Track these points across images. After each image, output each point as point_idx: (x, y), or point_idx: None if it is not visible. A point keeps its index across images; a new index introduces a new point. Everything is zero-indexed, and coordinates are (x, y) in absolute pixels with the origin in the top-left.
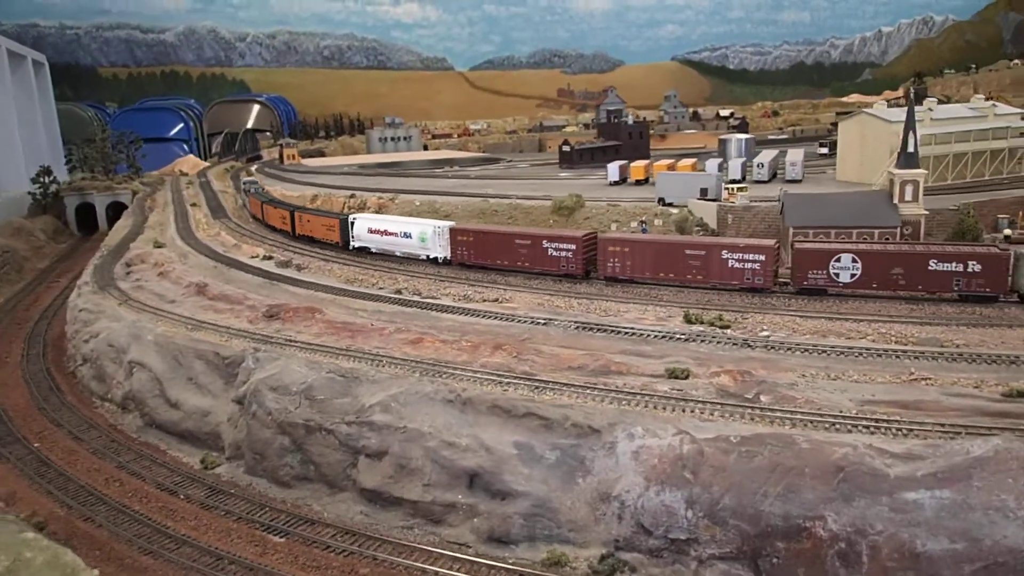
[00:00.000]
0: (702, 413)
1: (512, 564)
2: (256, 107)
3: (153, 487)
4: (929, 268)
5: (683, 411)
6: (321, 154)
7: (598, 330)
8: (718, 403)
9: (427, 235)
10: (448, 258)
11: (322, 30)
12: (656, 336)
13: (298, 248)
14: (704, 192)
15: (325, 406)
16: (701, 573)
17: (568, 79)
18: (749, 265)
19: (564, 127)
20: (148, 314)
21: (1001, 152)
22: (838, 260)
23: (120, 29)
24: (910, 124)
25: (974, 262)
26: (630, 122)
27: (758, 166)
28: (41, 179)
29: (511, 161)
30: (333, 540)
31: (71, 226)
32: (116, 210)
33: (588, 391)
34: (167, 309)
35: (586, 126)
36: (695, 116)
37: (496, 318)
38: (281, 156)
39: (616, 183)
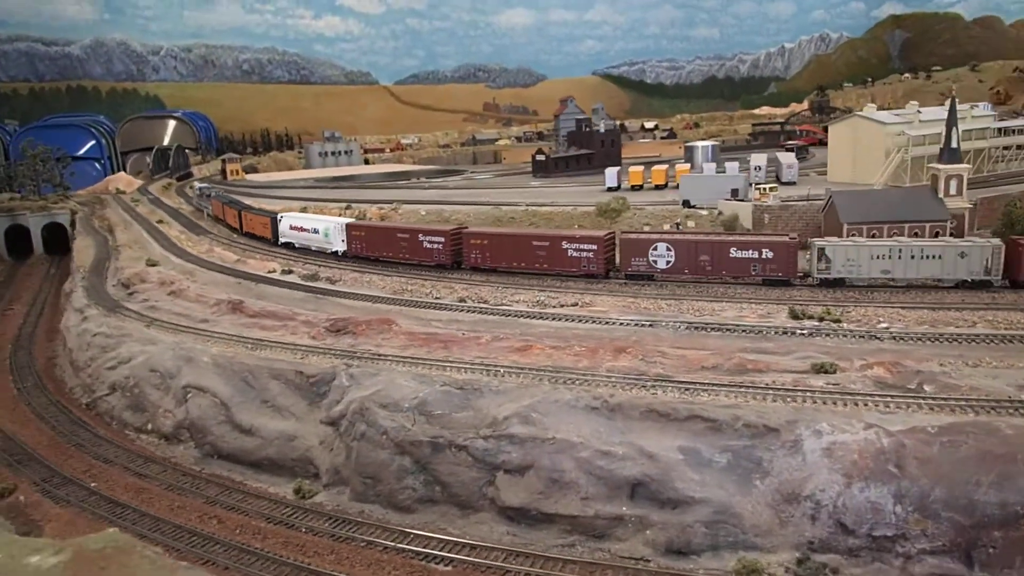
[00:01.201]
0: (876, 406)
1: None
2: (172, 123)
3: (262, 521)
4: (730, 256)
5: (855, 405)
6: (255, 170)
7: (711, 329)
8: (887, 395)
9: (329, 231)
10: (344, 252)
11: (241, 43)
12: (774, 332)
13: (318, 261)
14: (735, 193)
15: (447, 421)
16: (908, 570)
17: (493, 93)
18: (584, 254)
19: (497, 140)
20: (189, 335)
21: (982, 151)
22: (655, 249)
23: (20, 41)
24: (952, 122)
25: (767, 249)
26: (602, 130)
27: (755, 169)
28: None
29: (471, 172)
30: (510, 563)
31: (0, 250)
32: (52, 232)
33: (747, 390)
34: (206, 329)
35: (518, 139)
36: (622, 128)
37: (589, 322)
38: (224, 172)
39: (612, 189)
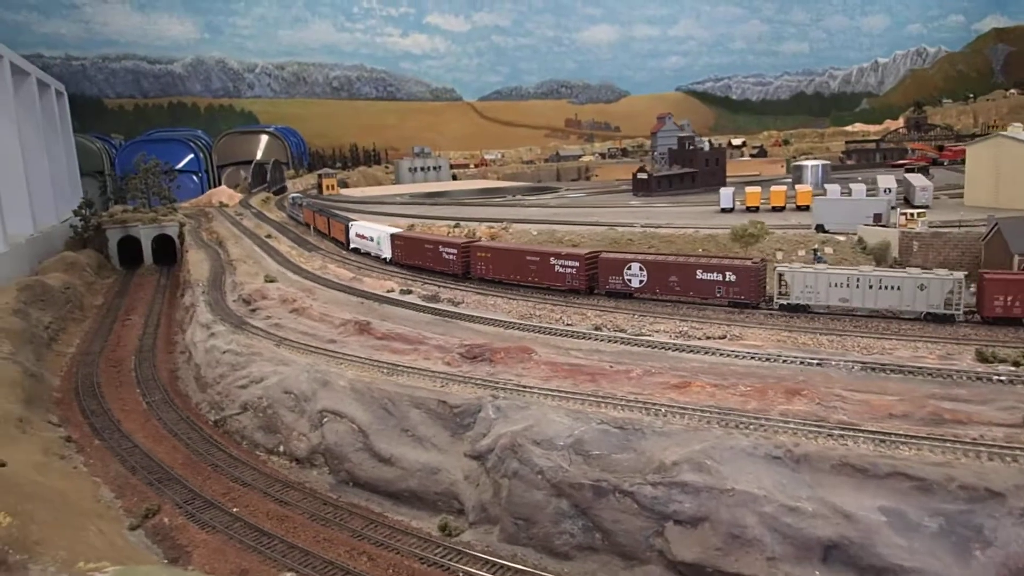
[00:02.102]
0: None
1: None
2: (265, 138)
3: (415, 562)
4: (697, 277)
5: None
6: (345, 184)
7: (888, 371)
8: None
9: (380, 239)
10: (390, 258)
11: (331, 61)
12: (964, 378)
13: (437, 281)
14: (878, 218)
15: (607, 463)
16: None
17: (575, 109)
18: (568, 270)
19: (581, 156)
20: (321, 356)
21: None
22: (630, 268)
23: (127, 60)
24: None
25: (730, 273)
26: (706, 148)
27: (885, 191)
28: (83, 211)
29: (565, 190)
30: None
31: (112, 260)
32: (160, 243)
33: (955, 446)
34: (336, 351)
35: (602, 155)
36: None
37: (745, 357)
38: (320, 186)
39: (727, 210)
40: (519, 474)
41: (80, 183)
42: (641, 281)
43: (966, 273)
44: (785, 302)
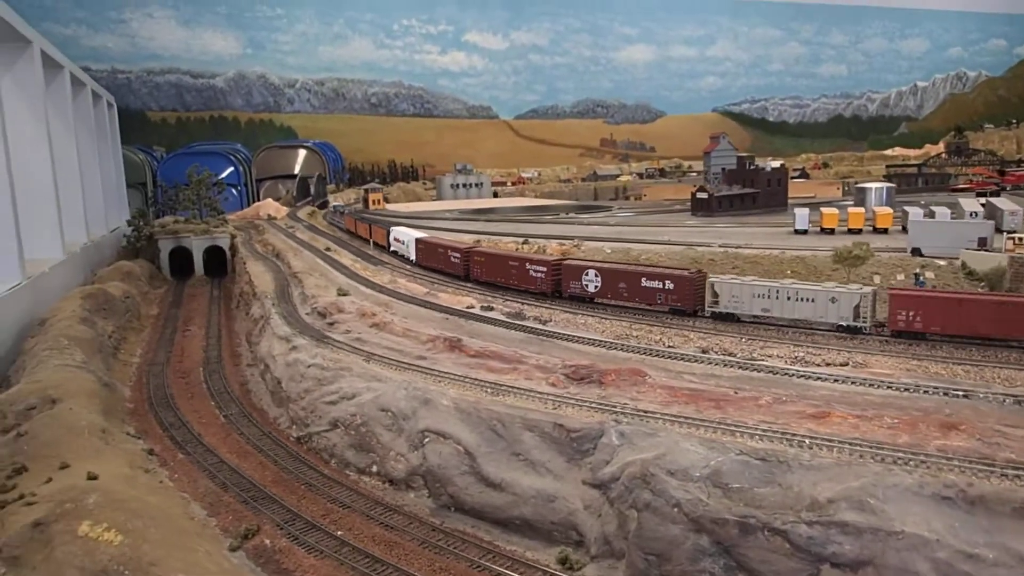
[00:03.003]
0: None
1: None
2: (303, 152)
3: None
4: (642, 284)
5: None
6: (385, 199)
7: None
8: None
9: (408, 243)
10: (415, 260)
11: (370, 77)
12: None
13: (518, 298)
14: (983, 242)
15: (749, 498)
16: None
17: (611, 129)
18: (537, 272)
19: (618, 176)
20: (416, 373)
21: None
22: (587, 275)
23: (171, 74)
24: None
25: (669, 281)
26: (768, 169)
27: (971, 215)
28: (136, 221)
29: (617, 209)
30: None
31: (164, 270)
32: (211, 254)
33: None
34: (430, 368)
35: (639, 175)
36: None
37: (878, 386)
38: (366, 201)
39: (801, 232)
40: (651, 506)
41: (126, 194)
42: (596, 286)
43: (875, 288)
44: (715, 310)
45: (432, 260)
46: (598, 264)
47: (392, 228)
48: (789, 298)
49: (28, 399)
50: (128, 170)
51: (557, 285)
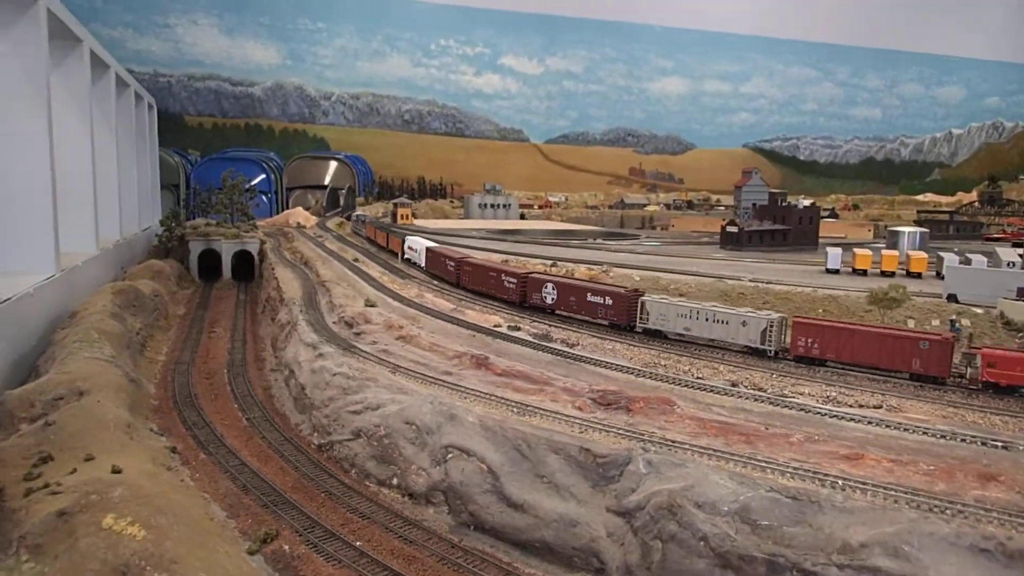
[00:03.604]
0: None
1: None
2: (334, 164)
3: None
4: (587, 299)
5: None
6: (413, 215)
7: None
8: None
9: (420, 251)
10: (424, 266)
11: (405, 94)
12: None
13: (547, 320)
14: (1022, 292)
15: (779, 536)
16: None
17: (640, 158)
18: (509, 283)
19: (646, 205)
20: (442, 388)
21: None
22: (546, 287)
23: (211, 80)
24: None
25: (608, 297)
26: (800, 206)
27: (1008, 264)
28: (169, 222)
29: (645, 238)
30: None
31: (192, 271)
32: (240, 259)
33: None
34: (455, 383)
35: (667, 206)
36: None
37: (914, 431)
38: (395, 215)
39: (833, 271)
40: (677, 538)
41: (160, 195)
42: (553, 298)
43: (781, 316)
44: (646, 326)
45: (436, 267)
46: (555, 279)
47: (406, 237)
48: (707, 319)
49: (57, 389)
50: (163, 171)
51: (524, 296)
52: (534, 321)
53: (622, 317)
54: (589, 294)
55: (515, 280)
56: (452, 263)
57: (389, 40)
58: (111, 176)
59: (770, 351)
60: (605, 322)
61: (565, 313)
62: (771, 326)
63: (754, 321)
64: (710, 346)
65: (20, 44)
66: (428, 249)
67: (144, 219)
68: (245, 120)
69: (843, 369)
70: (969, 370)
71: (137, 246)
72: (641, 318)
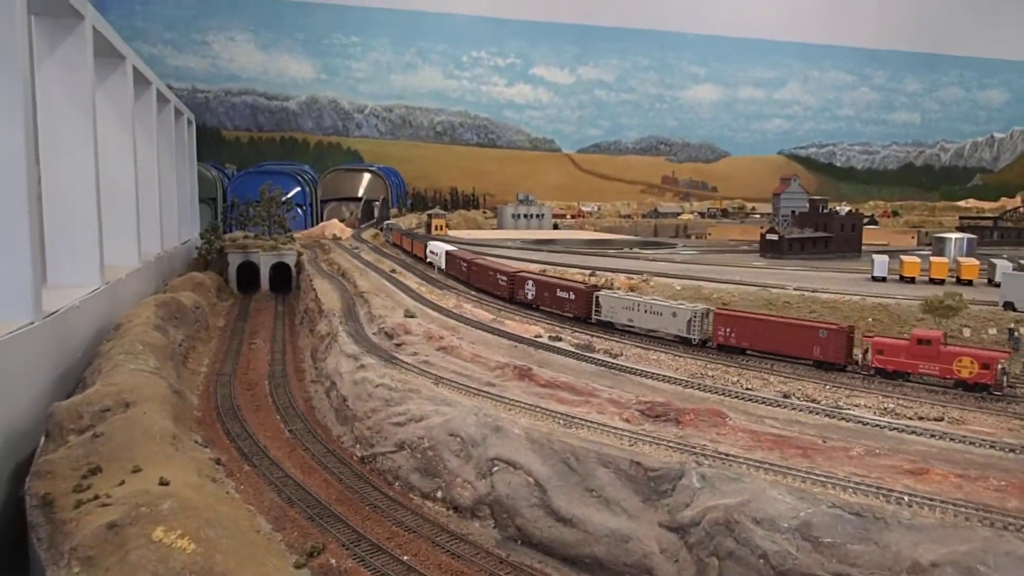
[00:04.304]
0: None
1: None
2: (368, 176)
3: None
4: (557, 294)
5: None
6: (447, 226)
7: None
8: None
9: (440, 255)
10: (444, 268)
11: (437, 106)
12: None
13: (587, 331)
14: None
15: (842, 554)
16: None
17: (673, 167)
18: (560, 295)
19: (680, 214)
20: (486, 400)
21: None
22: (528, 284)
23: (247, 95)
24: None
25: (572, 293)
26: (842, 213)
27: None
28: (208, 235)
29: (682, 246)
30: None
31: (231, 283)
32: (278, 271)
33: None
34: (499, 395)
35: (701, 215)
36: None
37: (981, 445)
38: (429, 226)
39: (880, 279)
40: (735, 555)
41: (198, 208)
42: (533, 294)
43: (707, 308)
44: (599, 318)
45: (453, 268)
46: (534, 277)
47: (428, 242)
48: (646, 311)
49: (103, 401)
50: (201, 185)
51: (512, 292)
52: (576, 332)
53: (582, 310)
54: (558, 290)
55: (506, 279)
56: (464, 264)
57: (422, 53)
58: (153, 190)
59: (694, 339)
60: (570, 315)
61: (543, 308)
62: (695, 316)
63: (682, 312)
64: (652, 337)
65: (67, 61)
66: (447, 252)
67: (184, 232)
68: (280, 134)
69: (792, 362)
70: (863, 357)
71: (178, 259)
72: (596, 311)
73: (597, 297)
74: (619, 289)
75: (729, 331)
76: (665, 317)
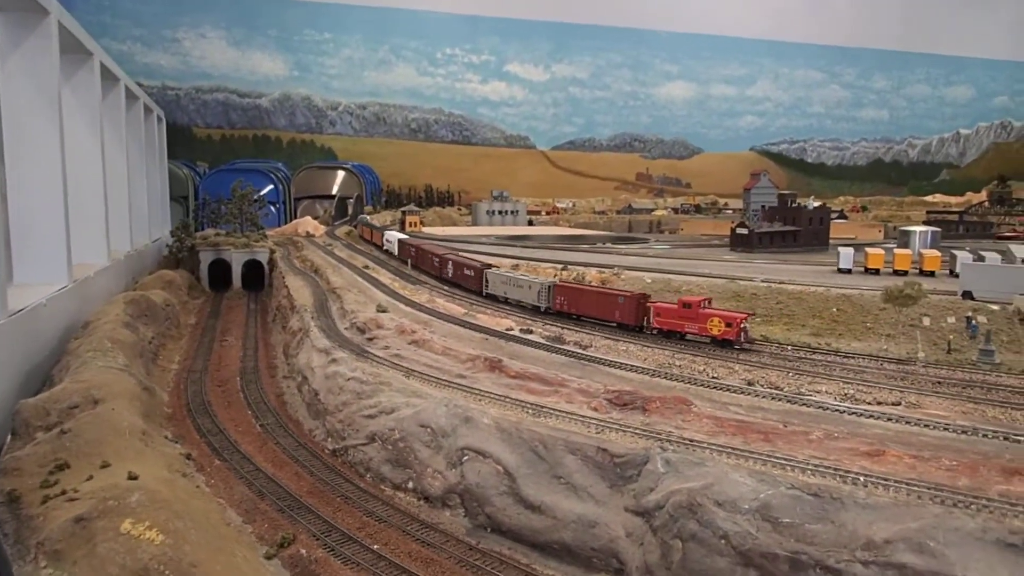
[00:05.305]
0: None
1: None
2: (342, 173)
3: None
4: (465, 272)
5: None
6: (421, 222)
7: None
8: None
9: (393, 243)
10: (396, 254)
11: (411, 103)
12: None
13: (558, 323)
14: None
15: (800, 533)
16: None
17: (647, 163)
18: (466, 272)
19: (653, 210)
20: (456, 391)
21: None
22: (449, 264)
23: (219, 92)
24: None
25: (470, 270)
26: (810, 207)
27: (1023, 261)
28: (179, 233)
29: (654, 241)
30: None
31: (203, 281)
32: (250, 268)
33: None
34: (470, 386)
35: (675, 211)
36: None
37: (934, 427)
38: (403, 223)
39: (845, 271)
40: (697, 537)
41: (169, 206)
42: (451, 272)
43: (553, 283)
44: (488, 292)
45: (403, 253)
46: (454, 258)
47: (385, 232)
48: (516, 285)
49: (72, 398)
50: (172, 183)
51: (441, 271)
52: (547, 324)
53: (476, 285)
54: (465, 268)
55: (437, 259)
56: (413, 249)
57: (395, 50)
58: (122, 188)
59: (542, 307)
60: (473, 288)
61: (459, 283)
62: (543, 288)
63: (535, 285)
64: (520, 305)
65: (32, 58)
66: (399, 240)
67: (154, 231)
68: (253, 131)
69: (602, 324)
70: (647, 320)
71: (148, 257)
72: (486, 286)
73: (485, 275)
74: (515, 272)
75: (563, 300)
76: (525, 289)
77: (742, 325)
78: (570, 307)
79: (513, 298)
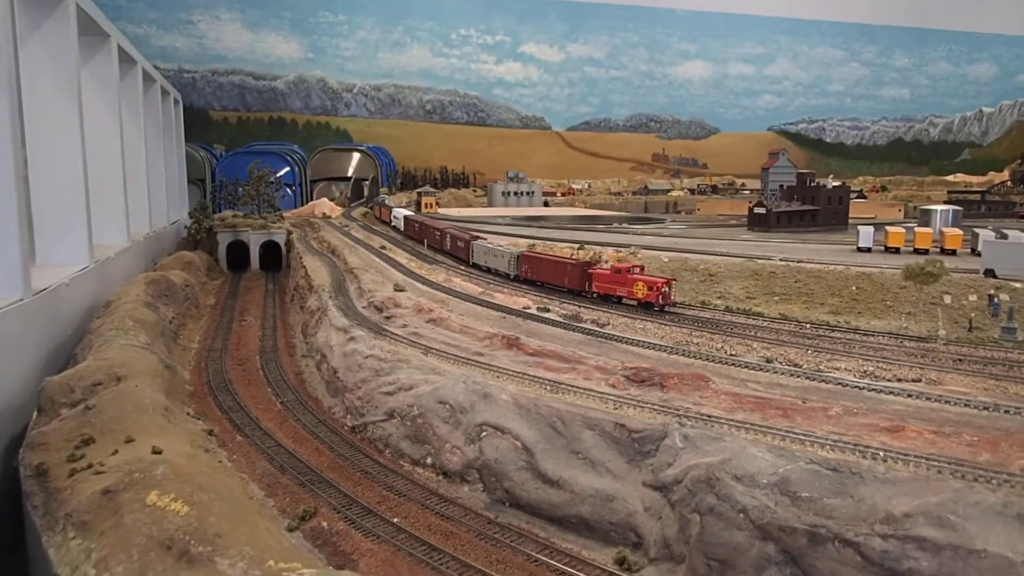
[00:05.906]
0: None
1: None
2: (357, 155)
3: None
4: (457, 244)
5: None
6: (437, 203)
7: None
8: None
9: (400, 218)
10: (403, 229)
11: (426, 85)
12: None
13: (576, 302)
14: None
15: (819, 508)
16: None
17: (663, 144)
18: (459, 244)
19: (670, 191)
20: (474, 368)
21: None
22: (447, 237)
23: (235, 75)
24: None
25: (460, 242)
26: (829, 186)
27: None
28: (197, 215)
29: (671, 221)
30: None
31: (221, 262)
32: (268, 249)
33: None
34: (488, 363)
35: (691, 191)
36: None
37: (959, 404)
38: (419, 204)
39: (865, 249)
40: (716, 511)
41: (187, 189)
42: (449, 245)
43: (520, 253)
44: (474, 261)
45: (410, 230)
46: (451, 232)
47: (393, 209)
48: (495, 256)
49: (95, 375)
50: (189, 166)
51: (441, 243)
52: (564, 303)
53: (464, 254)
54: (458, 241)
55: (438, 232)
56: (417, 226)
57: (410, 31)
58: (140, 170)
59: (512, 275)
60: (463, 258)
61: (450, 252)
62: (512, 258)
63: (507, 255)
64: (495, 272)
65: (51, 40)
66: (405, 216)
67: (173, 212)
68: (268, 114)
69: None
70: (588, 285)
71: (167, 239)
72: (472, 256)
73: (472, 246)
74: (492, 244)
75: (527, 268)
76: (500, 259)
77: (662, 289)
78: (533, 274)
79: (492, 267)
